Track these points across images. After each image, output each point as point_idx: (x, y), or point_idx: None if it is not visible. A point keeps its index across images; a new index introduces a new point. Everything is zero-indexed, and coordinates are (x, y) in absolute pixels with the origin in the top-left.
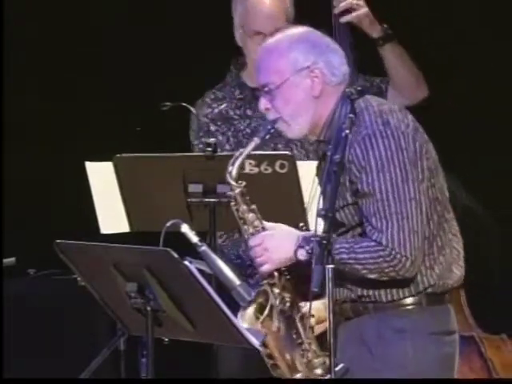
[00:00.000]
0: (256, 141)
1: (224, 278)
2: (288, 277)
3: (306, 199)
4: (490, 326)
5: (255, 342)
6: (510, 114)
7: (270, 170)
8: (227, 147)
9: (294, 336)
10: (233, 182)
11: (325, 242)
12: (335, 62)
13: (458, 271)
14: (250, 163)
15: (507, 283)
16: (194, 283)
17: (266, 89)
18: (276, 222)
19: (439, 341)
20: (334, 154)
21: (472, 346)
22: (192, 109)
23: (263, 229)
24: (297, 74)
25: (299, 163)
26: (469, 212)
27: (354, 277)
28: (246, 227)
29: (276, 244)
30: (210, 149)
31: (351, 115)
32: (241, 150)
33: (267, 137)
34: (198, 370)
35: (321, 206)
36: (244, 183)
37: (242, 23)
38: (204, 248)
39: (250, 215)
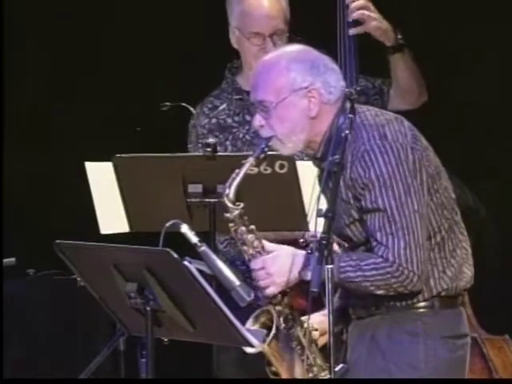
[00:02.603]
0: (251, 161)
1: (223, 278)
2: (291, 293)
3: (305, 199)
4: (492, 326)
5: (255, 342)
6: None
7: (269, 171)
8: None
9: (299, 352)
10: (230, 205)
11: (324, 242)
12: (332, 81)
13: (469, 271)
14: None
15: (509, 284)
16: (193, 283)
17: (262, 106)
18: (276, 221)
19: (451, 344)
20: (334, 154)
21: (473, 347)
22: (191, 109)
23: (263, 248)
24: (294, 94)
25: (299, 163)
26: (472, 213)
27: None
28: (245, 248)
29: (279, 267)
30: (209, 149)
31: (351, 115)
32: (236, 170)
33: (262, 156)
34: (198, 370)
35: (321, 206)
36: (242, 205)
37: (238, 25)
38: (204, 248)
39: (249, 236)
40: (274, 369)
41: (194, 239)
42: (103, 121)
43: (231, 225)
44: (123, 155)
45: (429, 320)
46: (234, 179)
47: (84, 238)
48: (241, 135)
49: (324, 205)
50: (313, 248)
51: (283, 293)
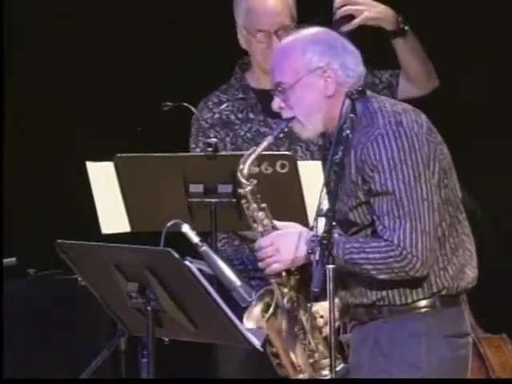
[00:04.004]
0: (269, 139)
1: (225, 278)
2: (298, 276)
3: (306, 198)
4: (490, 326)
5: (256, 342)
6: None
7: (270, 170)
8: (223, 153)
9: (301, 336)
10: (244, 180)
11: (325, 241)
12: (351, 63)
13: (472, 272)
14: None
15: (507, 283)
16: (194, 283)
17: (280, 88)
18: (277, 221)
19: (454, 343)
20: (335, 154)
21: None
22: (193, 109)
23: (273, 228)
24: (310, 74)
25: (300, 163)
26: (469, 213)
27: (366, 281)
28: (255, 225)
29: (288, 244)
30: (210, 149)
31: (352, 115)
32: (253, 147)
33: (281, 135)
34: (199, 370)
35: (322, 206)
36: (255, 181)
37: (245, 24)
38: (205, 248)
39: (260, 214)
40: (274, 350)
41: (195, 239)
42: (103, 121)
43: (243, 201)
44: (124, 155)
45: (431, 320)
46: (249, 155)
47: (85, 238)
48: (242, 133)
49: (325, 204)
50: (313, 248)
51: (289, 272)
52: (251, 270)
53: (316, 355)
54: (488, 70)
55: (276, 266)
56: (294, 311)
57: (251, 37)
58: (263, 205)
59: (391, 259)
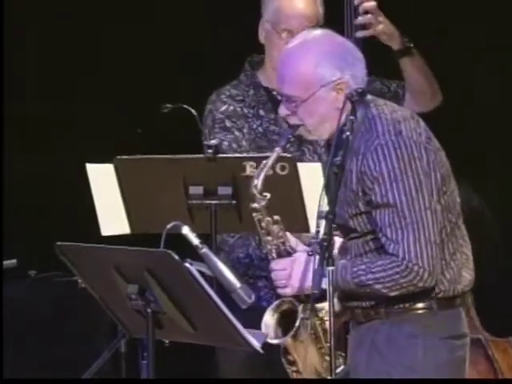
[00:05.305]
0: (278, 151)
1: (225, 280)
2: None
3: (306, 200)
4: (496, 329)
5: (256, 344)
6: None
7: (270, 172)
8: (244, 143)
9: (315, 340)
10: (258, 195)
11: (325, 243)
12: (359, 71)
13: (468, 275)
14: (251, 165)
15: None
16: (194, 285)
17: (290, 101)
18: None
19: (451, 345)
20: (335, 156)
21: (479, 348)
22: (193, 110)
23: (287, 239)
24: (323, 88)
25: (300, 165)
26: (476, 214)
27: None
28: (269, 238)
29: (301, 273)
30: (210, 151)
31: (352, 117)
32: (264, 162)
33: (288, 145)
34: (199, 372)
35: (322, 208)
36: (269, 195)
37: (272, 19)
38: (205, 250)
39: (275, 227)
40: (290, 358)
41: (196, 241)
42: (104, 122)
43: (256, 214)
44: (124, 157)
45: (428, 321)
46: (261, 170)
47: (85, 240)
48: (255, 126)
49: (326, 206)
50: (314, 249)
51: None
52: (257, 267)
53: (327, 358)
54: (489, 69)
55: (287, 291)
56: (308, 318)
57: (275, 32)
58: (276, 217)
59: (397, 275)
